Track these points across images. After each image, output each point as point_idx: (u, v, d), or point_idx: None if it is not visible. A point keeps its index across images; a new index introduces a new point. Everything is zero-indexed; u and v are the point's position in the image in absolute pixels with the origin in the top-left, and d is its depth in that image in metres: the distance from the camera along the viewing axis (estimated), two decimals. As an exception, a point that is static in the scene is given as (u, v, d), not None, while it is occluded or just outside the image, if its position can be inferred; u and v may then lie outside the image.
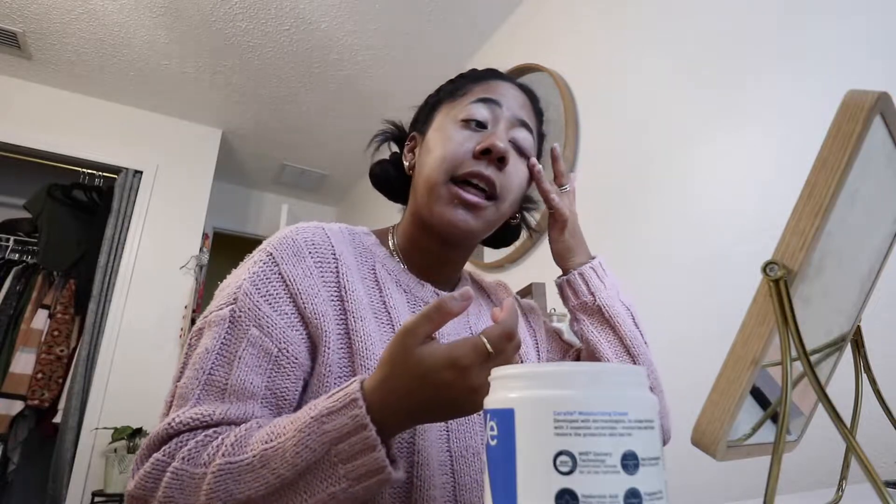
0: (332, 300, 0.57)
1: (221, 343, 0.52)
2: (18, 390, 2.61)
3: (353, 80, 2.77)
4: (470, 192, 0.60)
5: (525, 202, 0.75)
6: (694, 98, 1.35)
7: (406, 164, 0.70)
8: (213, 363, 0.51)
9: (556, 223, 0.71)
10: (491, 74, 0.70)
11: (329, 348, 0.54)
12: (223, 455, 0.45)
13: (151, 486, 0.46)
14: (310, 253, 0.58)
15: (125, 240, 2.92)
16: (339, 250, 0.60)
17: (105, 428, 2.61)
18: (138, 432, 2.59)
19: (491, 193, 0.61)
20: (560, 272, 0.72)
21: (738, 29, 1.27)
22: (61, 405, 2.63)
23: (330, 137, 3.36)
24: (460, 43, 2.44)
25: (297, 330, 0.54)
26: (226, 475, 0.44)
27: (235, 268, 0.60)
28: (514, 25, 2.26)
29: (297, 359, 0.53)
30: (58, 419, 2.61)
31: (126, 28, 2.46)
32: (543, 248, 1.73)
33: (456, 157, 0.61)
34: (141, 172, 3.05)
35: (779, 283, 0.30)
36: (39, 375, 2.66)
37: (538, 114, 0.72)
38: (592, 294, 0.68)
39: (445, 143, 0.62)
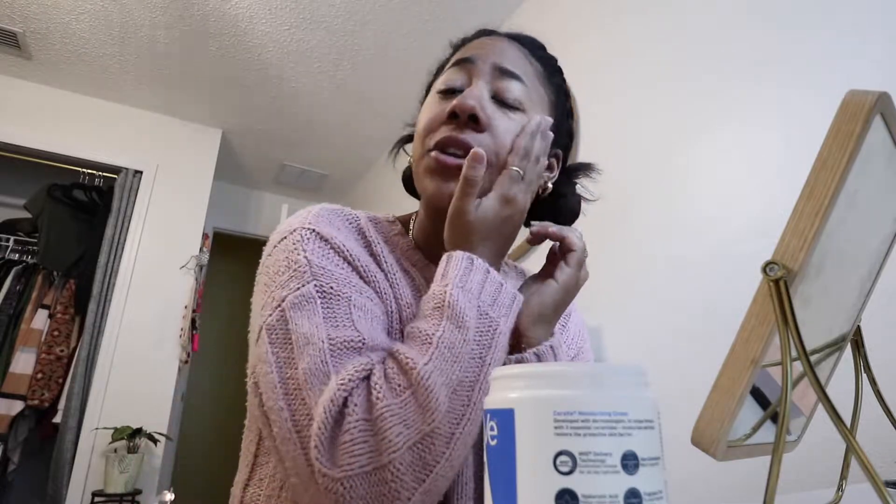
0: (375, 265, 0.57)
1: (324, 314, 0.47)
2: (18, 390, 2.61)
3: (353, 80, 2.77)
4: (448, 156, 0.54)
5: (579, 169, 0.67)
6: (694, 97, 1.35)
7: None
8: (328, 333, 0.46)
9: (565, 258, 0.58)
10: (478, 33, 0.63)
11: (392, 309, 0.55)
12: (411, 368, 0.43)
13: (367, 449, 0.40)
14: (342, 224, 0.58)
15: (125, 240, 2.92)
16: (366, 227, 0.60)
17: (105, 428, 2.61)
18: (138, 432, 2.59)
19: None
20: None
21: (738, 28, 1.27)
22: (61, 405, 2.64)
23: (330, 137, 3.36)
24: (460, 43, 2.44)
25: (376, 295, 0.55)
26: (429, 377, 0.43)
27: (262, 258, 0.56)
28: (514, 26, 2.26)
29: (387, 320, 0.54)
30: (58, 419, 2.61)
31: (126, 28, 2.46)
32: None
33: (428, 128, 0.56)
34: (141, 172, 3.05)
35: (779, 283, 0.30)
36: (39, 375, 2.66)
37: (546, 62, 0.62)
38: None
39: (422, 117, 0.59)
